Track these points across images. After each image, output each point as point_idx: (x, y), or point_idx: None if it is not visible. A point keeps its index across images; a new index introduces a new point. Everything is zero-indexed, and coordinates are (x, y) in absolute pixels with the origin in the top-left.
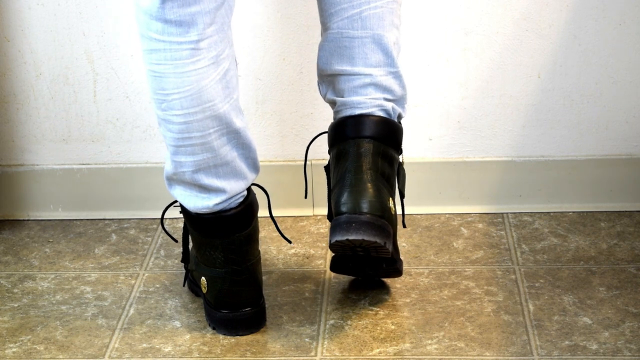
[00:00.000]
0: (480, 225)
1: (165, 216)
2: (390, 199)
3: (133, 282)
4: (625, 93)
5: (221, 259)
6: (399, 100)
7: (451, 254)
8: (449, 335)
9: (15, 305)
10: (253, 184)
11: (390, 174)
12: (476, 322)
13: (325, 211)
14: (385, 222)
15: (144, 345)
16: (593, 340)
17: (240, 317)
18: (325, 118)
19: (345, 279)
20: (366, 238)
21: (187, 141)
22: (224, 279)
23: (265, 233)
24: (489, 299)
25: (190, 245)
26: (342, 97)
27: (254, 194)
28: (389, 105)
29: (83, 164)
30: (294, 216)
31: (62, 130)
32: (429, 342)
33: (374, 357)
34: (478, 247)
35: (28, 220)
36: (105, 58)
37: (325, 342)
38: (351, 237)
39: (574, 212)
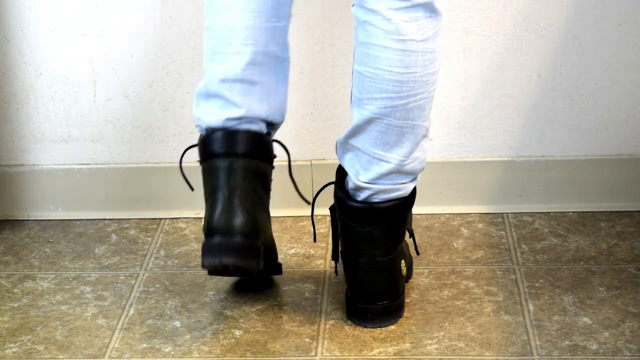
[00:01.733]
0: (480, 225)
1: (165, 216)
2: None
3: (133, 282)
4: (625, 93)
5: (211, 187)
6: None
7: (451, 254)
8: (449, 335)
9: (15, 305)
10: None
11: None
12: (476, 322)
13: (325, 211)
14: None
15: (144, 345)
16: (593, 340)
17: (219, 242)
18: (325, 118)
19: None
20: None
21: (221, 47)
22: (209, 203)
23: None
24: (489, 299)
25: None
26: (363, 177)
27: None
28: (409, 188)
29: (83, 164)
30: (294, 216)
31: (62, 130)
32: (429, 342)
33: (374, 357)
34: (478, 247)
35: (28, 220)
36: (105, 58)
37: (325, 342)
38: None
39: (574, 212)
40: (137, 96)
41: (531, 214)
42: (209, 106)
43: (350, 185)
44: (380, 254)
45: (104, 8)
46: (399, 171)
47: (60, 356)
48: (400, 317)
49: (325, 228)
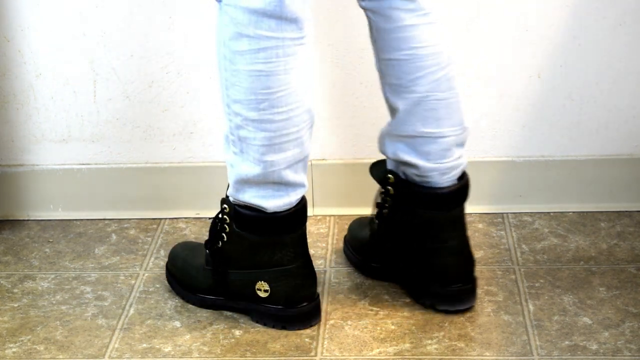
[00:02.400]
0: (480, 225)
1: (165, 216)
2: None
3: (133, 282)
4: (625, 93)
5: (290, 255)
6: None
7: None
8: (449, 335)
9: (15, 305)
10: None
11: None
12: (476, 322)
13: (325, 211)
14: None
15: (144, 345)
16: (593, 340)
17: (315, 306)
18: (325, 118)
19: (345, 278)
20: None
21: (283, 138)
22: (296, 274)
23: None
24: (489, 299)
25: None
26: (429, 161)
27: None
28: (464, 162)
29: (83, 164)
30: None
31: (62, 130)
32: (429, 342)
33: (374, 357)
34: (478, 247)
35: (28, 220)
36: (105, 58)
37: (325, 342)
38: (462, 308)
39: (574, 212)
40: (137, 96)
41: (531, 214)
42: (273, 193)
43: (416, 172)
44: (463, 233)
45: (104, 8)
46: (456, 143)
47: (60, 356)
48: None
49: (325, 228)
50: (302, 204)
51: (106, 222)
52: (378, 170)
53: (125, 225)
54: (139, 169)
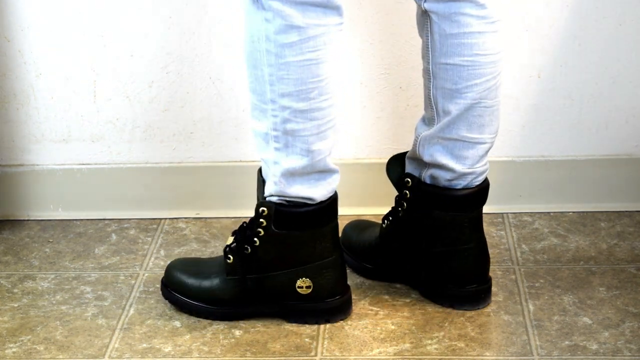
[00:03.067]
0: None
1: (165, 216)
2: None
3: (133, 282)
4: (625, 93)
5: (330, 246)
6: None
7: None
8: (449, 335)
9: (15, 305)
10: None
11: None
12: (476, 322)
13: None
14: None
15: (144, 345)
16: (593, 340)
17: (350, 294)
18: None
19: None
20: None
21: (328, 125)
22: (336, 265)
23: None
24: None
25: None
26: (465, 166)
27: None
28: (488, 164)
29: (83, 164)
30: None
31: (62, 130)
32: (429, 342)
33: (374, 357)
34: None
35: (28, 220)
36: (105, 58)
37: (325, 342)
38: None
39: (574, 212)
40: (137, 96)
41: (531, 214)
42: (318, 181)
43: (448, 176)
44: (483, 234)
45: (104, 8)
46: (489, 149)
47: (60, 356)
48: None
49: None
50: (336, 191)
51: (106, 222)
52: (394, 172)
53: (125, 225)
54: (139, 169)
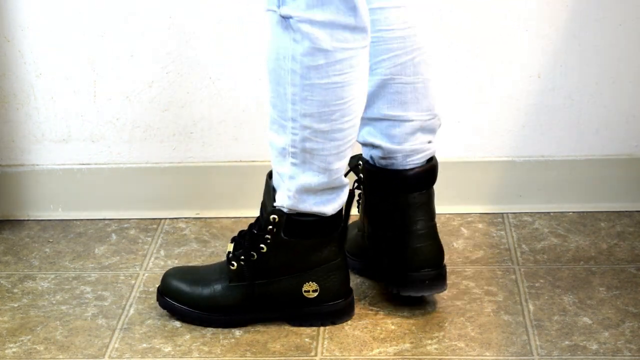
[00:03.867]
0: (480, 225)
1: (165, 216)
2: None
3: (133, 282)
4: (625, 93)
5: (336, 249)
6: (436, 137)
7: (451, 254)
8: (449, 335)
9: (15, 305)
10: None
11: None
12: (476, 322)
13: None
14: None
15: (144, 345)
16: (593, 340)
17: (351, 300)
18: None
19: None
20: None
21: (347, 144)
22: (342, 266)
23: None
24: (489, 299)
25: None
26: (393, 143)
27: None
28: (433, 148)
29: (83, 164)
30: None
31: (62, 130)
32: (429, 342)
33: (374, 357)
34: (478, 247)
35: (28, 220)
36: (106, 58)
37: (325, 342)
38: (427, 294)
39: (574, 212)
40: (137, 96)
41: (531, 214)
42: (330, 197)
43: (380, 155)
44: (429, 218)
45: (104, 8)
46: (422, 128)
47: (60, 356)
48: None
49: None
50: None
51: (106, 222)
52: (352, 159)
53: (125, 225)
54: (139, 169)
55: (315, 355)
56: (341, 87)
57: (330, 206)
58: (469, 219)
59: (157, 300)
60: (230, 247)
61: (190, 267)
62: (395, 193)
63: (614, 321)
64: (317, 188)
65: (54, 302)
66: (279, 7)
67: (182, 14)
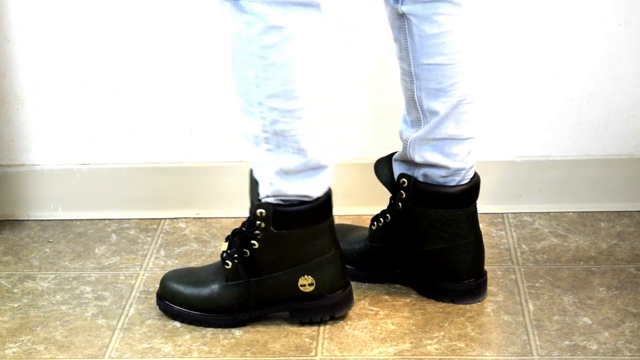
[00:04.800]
0: (480, 225)
1: (165, 216)
2: None
3: (133, 282)
4: (625, 93)
5: (328, 241)
6: None
7: None
8: (449, 335)
9: (15, 305)
10: None
11: None
12: (476, 322)
13: None
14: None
15: (144, 345)
16: (593, 340)
17: (351, 286)
18: None
19: None
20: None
21: (316, 122)
22: (336, 259)
23: None
24: (489, 299)
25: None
26: (455, 161)
27: None
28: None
29: (83, 164)
30: None
31: (62, 130)
32: (429, 342)
33: (374, 357)
34: None
35: (28, 220)
36: (105, 58)
37: (325, 342)
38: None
39: (574, 212)
40: (137, 96)
41: (531, 214)
42: (311, 178)
43: (442, 174)
44: (478, 227)
45: (104, 8)
46: (475, 143)
47: (60, 356)
48: None
49: None
50: (330, 187)
51: (106, 222)
52: (384, 174)
53: (125, 225)
54: (139, 169)
55: (315, 355)
56: (300, 63)
57: (313, 187)
58: None
59: (157, 304)
60: (225, 246)
61: (188, 269)
62: (449, 208)
63: (614, 321)
64: (295, 169)
65: (54, 302)
66: None
67: (182, 13)
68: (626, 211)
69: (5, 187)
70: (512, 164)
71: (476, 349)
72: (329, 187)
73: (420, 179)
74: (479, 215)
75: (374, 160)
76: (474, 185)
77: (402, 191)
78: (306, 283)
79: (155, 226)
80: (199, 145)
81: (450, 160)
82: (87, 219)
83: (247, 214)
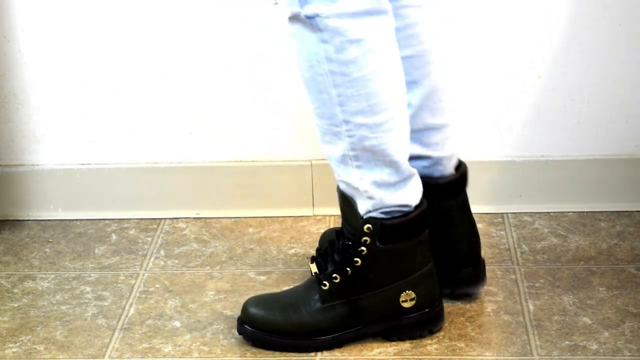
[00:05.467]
0: (480, 225)
1: (165, 216)
2: None
3: (133, 282)
4: (625, 93)
5: (427, 253)
6: None
7: None
8: (449, 335)
9: (15, 305)
10: None
11: None
12: (476, 322)
13: (325, 211)
14: None
15: (144, 345)
16: (593, 340)
17: (442, 305)
18: None
19: None
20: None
21: (404, 131)
22: (433, 272)
23: (265, 233)
24: (489, 299)
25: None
26: (436, 150)
27: None
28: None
29: (83, 164)
30: (294, 216)
31: (62, 130)
32: (429, 342)
33: (374, 357)
34: None
35: (28, 220)
36: (105, 58)
37: None
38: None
39: (574, 212)
40: (137, 96)
41: (531, 214)
42: (406, 188)
43: (425, 164)
44: (471, 215)
45: (104, 8)
46: (454, 129)
47: (60, 356)
48: None
49: (325, 228)
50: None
51: (106, 222)
52: None
53: (125, 225)
54: (139, 169)
55: (315, 355)
56: (382, 73)
57: (410, 197)
58: None
59: (239, 331)
60: (314, 267)
61: (270, 294)
62: (441, 199)
63: (614, 321)
64: (390, 181)
65: (54, 302)
66: (302, 7)
67: (182, 13)
68: (626, 211)
69: (5, 187)
70: (512, 164)
71: (476, 349)
72: (422, 196)
73: None
74: (479, 215)
75: None
76: (462, 174)
77: None
78: (407, 298)
79: (155, 226)
80: (199, 145)
81: (431, 150)
82: (87, 219)
83: (246, 214)
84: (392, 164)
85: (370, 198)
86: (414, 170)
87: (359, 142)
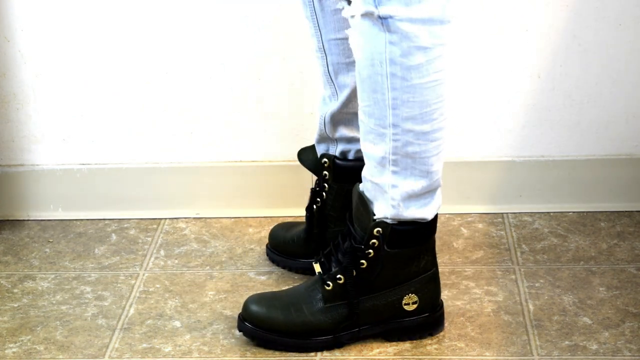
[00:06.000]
0: (480, 225)
1: (165, 216)
2: None
3: (133, 282)
4: (625, 93)
5: (431, 258)
6: None
7: (451, 254)
8: (449, 335)
9: (15, 305)
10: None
11: None
12: (476, 322)
13: None
14: None
15: (144, 345)
16: (593, 340)
17: (443, 309)
18: None
19: None
20: None
21: (444, 143)
22: (436, 276)
23: (265, 233)
24: (489, 299)
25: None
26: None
27: None
28: None
29: (83, 164)
30: (294, 216)
31: (62, 130)
32: (429, 342)
33: (374, 357)
34: (478, 247)
35: (28, 220)
36: (105, 58)
37: None
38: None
39: (574, 212)
40: (137, 96)
41: (531, 214)
42: (428, 200)
43: (357, 147)
44: None
45: (104, 8)
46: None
47: (60, 356)
48: None
49: None
50: None
51: (106, 222)
52: (308, 159)
53: (125, 225)
54: (139, 169)
55: (315, 355)
56: (440, 84)
57: (429, 210)
58: (469, 219)
59: (239, 328)
60: (318, 267)
61: (272, 292)
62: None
63: (614, 321)
64: (419, 193)
65: (54, 302)
66: (376, 7)
67: (182, 13)
68: (626, 211)
69: (5, 187)
70: (512, 164)
71: (476, 349)
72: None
73: (341, 157)
74: (479, 215)
75: None
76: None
77: (325, 172)
78: (410, 301)
79: (155, 226)
80: (199, 145)
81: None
82: (87, 219)
83: (246, 214)
84: (428, 175)
85: (394, 207)
86: (441, 183)
87: (402, 147)
